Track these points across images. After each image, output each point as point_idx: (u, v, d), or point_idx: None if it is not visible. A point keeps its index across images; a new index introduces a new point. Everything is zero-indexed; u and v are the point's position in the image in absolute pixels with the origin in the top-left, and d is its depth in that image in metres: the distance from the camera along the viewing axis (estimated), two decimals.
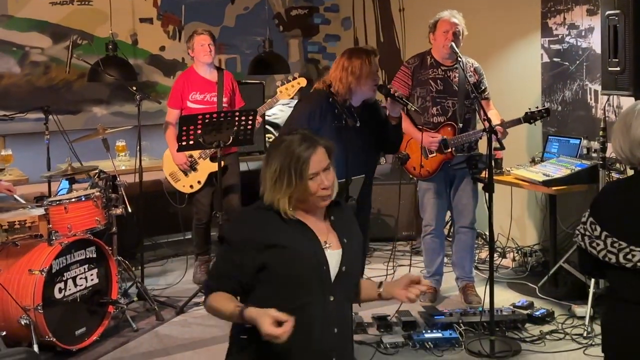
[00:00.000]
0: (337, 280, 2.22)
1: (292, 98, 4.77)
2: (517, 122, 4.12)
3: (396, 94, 3.49)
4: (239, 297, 2.21)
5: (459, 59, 4.10)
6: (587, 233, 2.34)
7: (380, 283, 2.36)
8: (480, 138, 4.27)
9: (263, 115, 5.16)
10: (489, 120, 3.49)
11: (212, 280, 2.27)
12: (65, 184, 4.62)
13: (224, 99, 4.88)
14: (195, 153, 4.77)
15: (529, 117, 4.11)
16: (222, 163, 4.48)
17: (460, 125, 4.27)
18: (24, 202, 4.26)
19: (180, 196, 5.00)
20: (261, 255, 2.16)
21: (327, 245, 2.24)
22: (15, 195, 4.31)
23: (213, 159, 4.66)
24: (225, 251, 2.28)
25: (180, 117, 4.42)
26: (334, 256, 2.23)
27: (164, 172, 4.99)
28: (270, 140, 6.29)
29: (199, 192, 4.88)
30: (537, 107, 4.10)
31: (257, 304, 2.10)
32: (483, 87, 4.36)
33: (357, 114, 3.56)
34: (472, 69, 4.34)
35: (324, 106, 3.54)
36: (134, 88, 4.78)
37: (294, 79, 4.57)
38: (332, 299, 2.21)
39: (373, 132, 3.63)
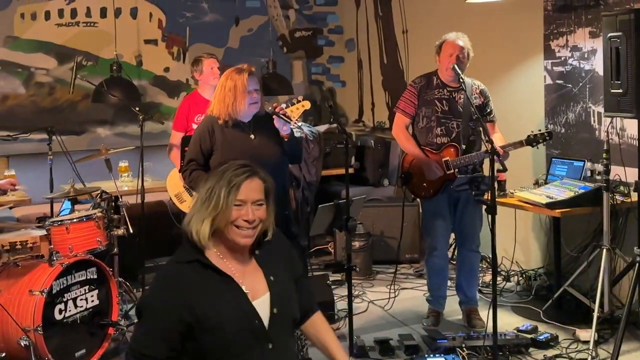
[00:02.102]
0: (271, 326, 2.13)
1: (296, 120, 4.78)
2: (519, 144, 4.10)
3: (280, 112, 3.66)
4: None
5: (461, 79, 4.10)
6: None
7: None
8: (483, 160, 4.26)
9: None
10: (491, 142, 3.48)
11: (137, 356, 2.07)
12: (67, 204, 4.62)
13: None
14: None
15: (532, 141, 4.09)
16: None
17: (464, 146, 4.25)
18: (28, 196, 4.22)
19: (184, 217, 4.97)
20: (181, 324, 2.04)
21: (253, 293, 2.13)
22: (17, 187, 4.27)
23: None
24: (145, 328, 2.11)
25: (183, 138, 4.42)
26: (263, 303, 2.14)
27: (168, 193, 4.97)
28: None
29: None
30: (539, 130, 4.09)
31: None
32: (488, 110, 4.36)
33: (250, 127, 3.71)
34: (477, 91, 4.34)
35: (216, 129, 3.69)
36: (137, 109, 4.80)
37: (299, 101, 4.58)
38: (270, 346, 2.12)
39: (271, 144, 3.72)
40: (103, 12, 6.33)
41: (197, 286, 2.09)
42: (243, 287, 2.14)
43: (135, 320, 4.35)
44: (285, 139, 3.73)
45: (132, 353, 2.10)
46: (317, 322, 2.39)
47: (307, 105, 4.60)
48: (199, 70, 4.91)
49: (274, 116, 3.68)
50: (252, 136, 3.70)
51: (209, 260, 2.14)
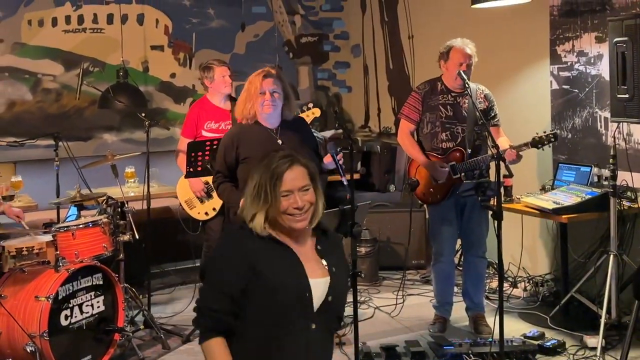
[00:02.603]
0: (320, 309, 2.19)
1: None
2: (525, 146, 4.09)
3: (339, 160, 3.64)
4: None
5: (467, 85, 4.09)
6: None
7: None
8: (489, 164, 4.24)
9: None
10: (497, 147, 3.47)
11: (203, 318, 2.21)
12: (73, 210, 4.63)
13: None
14: (211, 180, 4.78)
15: (537, 142, 4.08)
16: None
17: (469, 151, 4.24)
18: (28, 228, 4.26)
19: (194, 223, 4.99)
20: (243, 279, 2.14)
21: (310, 271, 2.20)
22: (22, 222, 4.31)
23: None
24: (210, 283, 2.24)
25: (188, 144, 4.43)
26: (320, 285, 2.21)
27: (178, 199, 4.97)
28: None
29: (212, 220, 4.87)
30: (544, 132, 4.07)
31: (239, 333, 2.10)
32: (493, 114, 4.35)
33: (278, 133, 3.67)
34: (482, 95, 4.33)
35: (241, 137, 3.66)
36: (143, 115, 4.81)
37: (309, 108, 4.58)
38: (314, 327, 2.18)
39: (300, 147, 3.65)
40: (110, 19, 6.35)
41: (259, 248, 2.19)
42: (303, 262, 2.21)
43: (141, 327, 4.40)
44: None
45: (200, 309, 2.22)
46: None
47: (317, 112, 4.60)
48: (209, 77, 4.87)
49: (330, 156, 3.66)
50: (280, 142, 3.65)
51: (270, 233, 2.23)
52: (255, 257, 2.16)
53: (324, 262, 2.26)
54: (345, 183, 3.52)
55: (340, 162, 3.63)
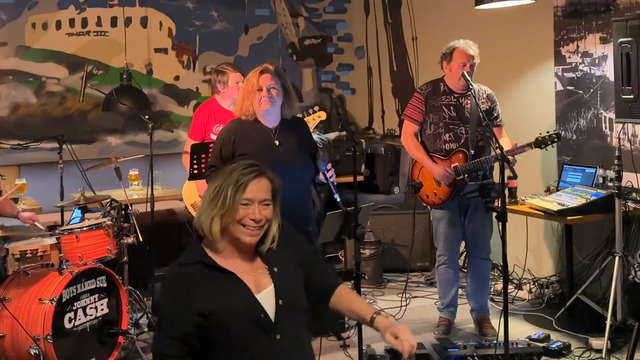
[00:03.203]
0: (278, 317, 2.15)
1: (312, 131, 4.79)
2: (528, 147, 4.07)
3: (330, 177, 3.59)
4: None
5: (471, 86, 4.08)
6: None
7: (378, 313, 2.27)
8: (493, 165, 4.23)
9: None
10: (501, 148, 3.46)
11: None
12: (77, 213, 4.63)
13: None
14: None
15: (540, 142, 4.06)
16: None
17: (472, 152, 4.23)
18: (43, 228, 4.25)
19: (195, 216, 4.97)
20: (190, 323, 2.09)
21: (257, 287, 2.16)
22: (37, 224, 4.29)
23: None
24: (160, 328, 2.17)
25: (191, 146, 4.43)
26: (267, 295, 2.17)
27: (184, 201, 4.96)
28: None
29: None
30: (547, 132, 4.06)
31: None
32: (495, 114, 4.34)
33: (277, 133, 3.61)
34: (484, 95, 4.32)
35: (238, 133, 3.62)
36: (147, 117, 4.80)
37: (314, 111, 4.57)
38: (278, 337, 2.14)
39: (297, 152, 3.61)
40: (113, 22, 6.36)
41: (202, 286, 2.13)
42: (246, 282, 2.17)
43: (145, 330, 4.39)
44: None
45: (156, 355, 2.16)
46: (341, 294, 2.39)
47: (323, 116, 4.59)
48: (223, 82, 4.81)
49: (321, 173, 3.61)
50: (277, 142, 3.59)
51: (212, 260, 2.18)
52: (201, 298, 2.10)
53: (266, 266, 2.22)
54: (338, 200, 3.44)
55: (332, 179, 3.57)
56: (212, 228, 2.16)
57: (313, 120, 4.56)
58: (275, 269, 2.22)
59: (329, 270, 2.46)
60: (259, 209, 2.17)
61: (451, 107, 4.27)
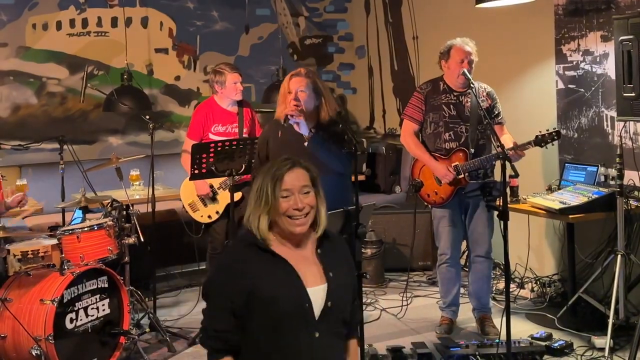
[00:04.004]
0: (322, 316, 2.18)
1: None
2: (528, 145, 4.06)
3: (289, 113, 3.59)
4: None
5: (472, 84, 4.07)
6: None
7: None
8: (494, 164, 4.22)
9: None
10: (503, 147, 3.45)
11: (209, 339, 2.22)
12: (79, 213, 4.63)
13: (245, 130, 4.90)
14: (216, 183, 4.78)
15: (540, 141, 4.05)
16: (240, 193, 4.50)
17: (473, 150, 4.22)
18: (40, 205, 4.22)
19: (197, 226, 4.98)
20: (242, 296, 2.15)
21: (308, 280, 2.20)
22: (25, 202, 4.25)
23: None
24: (211, 304, 2.24)
25: (192, 146, 4.42)
26: (318, 292, 2.20)
27: (182, 201, 4.97)
28: None
29: (216, 222, 4.86)
30: (547, 130, 4.05)
31: (244, 346, 2.12)
32: (496, 112, 4.33)
33: (311, 137, 3.62)
34: (484, 93, 4.32)
35: (272, 134, 3.69)
36: (148, 117, 4.80)
37: None
38: (317, 335, 2.16)
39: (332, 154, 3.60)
40: (114, 22, 6.36)
41: (255, 263, 2.20)
42: (298, 272, 2.21)
43: (146, 330, 4.39)
44: (307, 140, 3.62)
45: (205, 330, 2.24)
46: (350, 350, 2.40)
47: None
48: (221, 82, 4.82)
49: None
50: (306, 144, 3.61)
51: (265, 244, 2.23)
52: (252, 273, 2.17)
53: (322, 267, 2.25)
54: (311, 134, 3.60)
55: (289, 113, 3.60)
56: (260, 225, 2.22)
57: None
58: (331, 274, 2.26)
59: (358, 316, 2.50)
60: (300, 197, 2.22)
61: (451, 106, 4.26)
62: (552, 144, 4.07)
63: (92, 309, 3.90)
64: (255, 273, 2.17)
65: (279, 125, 3.68)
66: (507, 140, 4.12)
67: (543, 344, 3.97)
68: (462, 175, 4.17)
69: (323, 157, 3.57)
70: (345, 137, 3.57)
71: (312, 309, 2.17)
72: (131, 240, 4.26)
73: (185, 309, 4.99)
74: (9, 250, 3.73)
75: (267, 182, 2.22)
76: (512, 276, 5.13)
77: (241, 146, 4.21)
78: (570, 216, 4.16)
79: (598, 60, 4.61)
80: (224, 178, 4.62)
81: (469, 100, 4.25)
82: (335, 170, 3.60)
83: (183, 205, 4.96)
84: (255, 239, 2.23)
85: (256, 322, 2.15)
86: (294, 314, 2.14)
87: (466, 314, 4.54)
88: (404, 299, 4.90)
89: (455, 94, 4.28)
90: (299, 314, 2.15)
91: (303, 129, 3.61)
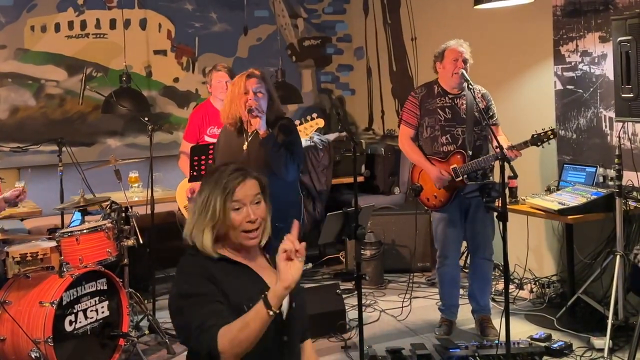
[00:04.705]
0: (288, 320, 2.13)
1: (310, 138, 4.79)
2: (525, 145, 4.06)
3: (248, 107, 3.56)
4: None
5: (470, 85, 4.07)
6: None
7: None
8: (492, 165, 4.23)
9: None
10: (501, 148, 3.45)
11: (205, 327, 1.98)
12: (77, 215, 4.63)
13: None
14: None
15: (536, 140, 4.04)
16: None
17: (470, 152, 4.23)
18: (39, 207, 4.21)
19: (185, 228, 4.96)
20: (216, 292, 2.04)
21: (271, 284, 2.09)
22: (23, 196, 4.24)
23: None
24: (194, 305, 2.03)
25: (191, 148, 4.42)
26: None
27: (178, 204, 4.97)
28: None
29: None
30: (543, 129, 4.05)
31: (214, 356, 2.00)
32: (491, 113, 4.33)
33: (249, 136, 3.65)
34: (479, 95, 4.32)
35: (221, 137, 3.78)
36: (147, 119, 4.80)
37: (312, 118, 4.57)
38: (285, 339, 2.13)
39: (263, 157, 3.57)
40: (112, 24, 6.36)
41: (218, 271, 2.09)
42: (262, 276, 2.16)
43: (146, 332, 4.38)
44: (262, 137, 3.56)
45: (197, 330, 1.99)
46: (307, 350, 2.33)
47: (321, 123, 4.58)
48: (208, 82, 4.87)
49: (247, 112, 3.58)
50: (245, 147, 3.65)
51: (221, 254, 2.14)
52: (217, 280, 2.06)
53: (275, 270, 2.16)
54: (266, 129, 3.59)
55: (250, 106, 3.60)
56: (204, 241, 2.11)
57: (311, 127, 4.55)
58: None
59: (306, 318, 2.38)
60: (252, 209, 2.13)
61: (446, 109, 4.26)
62: (549, 143, 4.07)
63: (92, 311, 3.89)
64: (221, 279, 2.06)
65: (227, 130, 3.77)
66: (503, 141, 4.13)
67: (542, 344, 3.97)
68: (461, 178, 4.18)
69: (272, 157, 3.57)
70: (294, 148, 3.60)
71: (282, 312, 2.09)
72: (130, 242, 4.26)
73: None
74: (7, 253, 3.73)
75: (217, 195, 2.10)
76: (511, 277, 5.13)
77: None
78: (569, 217, 4.16)
79: (596, 61, 4.61)
80: None
81: (464, 102, 4.25)
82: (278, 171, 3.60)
83: (179, 208, 4.96)
84: (211, 252, 2.12)
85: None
86: None
87: (465, 315, 4.54)
88: (404, 300, 4.89)
89: (450, 96, 4.28)
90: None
91: (262, 126, 3.58)
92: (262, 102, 3.61)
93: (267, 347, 2.08)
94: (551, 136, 4.02)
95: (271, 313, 1.89)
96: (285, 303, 2.13)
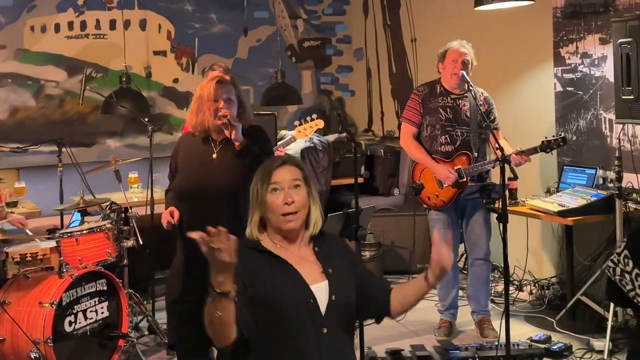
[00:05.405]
0: (328, 311, 2.16)
1: (310, 139, 4.77)
2: (534, 151, 4.05)
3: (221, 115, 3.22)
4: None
5: (470, 87, 4.07)
6: (620, 266, 2.21)
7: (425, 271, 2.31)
8: (493, 167, 4.23)
9: None
10: (502, 149, 3.45)
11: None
12: (77, 216, 4.63)
13: None
14: None
15: (546, 146, 4.04)
16: None
17: (476, 154, 4.24)
18: (32, 234, 4.26)
19: None
20: (252, 298, 2.09)
21: (309, 279, 2.18)
22: (26, 230, 4.30)
23: None
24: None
25: None
26: (320, 289, 2.18)
27: None
28: None
29: None
30: (553, 136, 4.05)
31: (252, 349, 2.08)
32: (492, 117, 4.33)
33: (218, 145, 3.34)
34: (482, 98, 4.32)
35: (184, 144, 3.46)
36: (146, 119, 4.80)
37: (312, 119, 4.57)
38: (325, 331, 2.15)
39: (232, 169, 3.27)
40: (112, 24, 6.35)
41: (256, 264, 2.15)
42: (299, 271, 2.18)
43: (145, 333, 4.38)
44: (238, 148, 3.26)
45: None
46: (396, 293, 2.39)
47: (321, 124, 4.58)
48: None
49: (218, 121, 3.24)
50: (215, 156, 3.34)
51: (264, 247, 2.21)
52: (253, 273, 2.13)
53: (321, 265, 2.24)
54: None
55: (223, 114, 3.26)
56: (251, 227, 2.21)
57: (310, 127, 4.56)
58: (330, 270, 2.23)
59: (383, 281, 2.47)
60: (290, 193, 2.19)
61: (448, 109, 4.26)
62: (556, 152, 4.07)
63: (91, 311, 3.89)
64: (255, 273, 2.14)
65: (191, 138, 3.43)
66: (505, 145, 4.13)
67: (542, 346, 3.97)
68: (465, 179, 4.18)
69: (253, 169, 3.04)
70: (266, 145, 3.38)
71: (318, 305, 2.15)
72: (130, 242, 4.26)
73: None
74: (7, 253, 3.72)
75: (257, 181, 2.21)
76: (511, 279, 5.13)
77: None
78: (569, 218, 4.16)
79: (596, 62, 4.61)
80: None
81: (467, 103, 4.25)
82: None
83: None
84: (255, 243, 2.21)
85: (261, 323, 2.10)
86: (300, 311, 2.12)
87: (465, 317, 4.54)
88: None
89: (452, 96, 4.28)
90: (305, 311, 2.13)
91: (240, 137, 3.26)
92: (233, 109, 3.29)
93: (307, 339, 2.12)
94: (561, 143, 4.02)
95: (215, 292, 1.89)
96: (324, 297, 2.17)
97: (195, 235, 1.84)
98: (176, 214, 3.38)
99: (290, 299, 2.12)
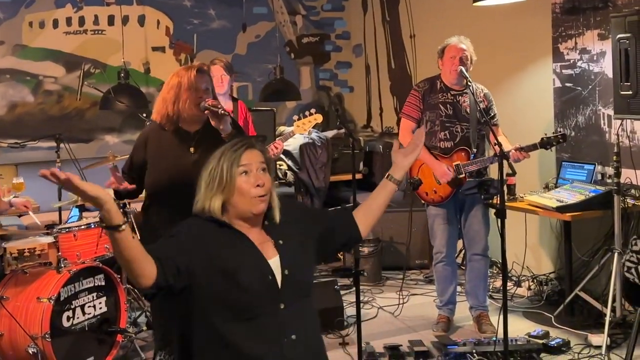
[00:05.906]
0: (284, 286, 2.14)
1: (309, 133, 4.77)
2: (533, 147, 4.06)
3: (211, 105, 3.12)
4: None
5: (469, 84, 4.07)
6: None
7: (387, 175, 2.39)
8: (492, 163, 4.23)
9: None
10: (500, 145, 3.45)
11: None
12: (75, 211, 4.62)
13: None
14: None
15: (545, 143, 4.05)
16: None
17: (475, 150, 4.23)
18: (38, 222, 4.24)
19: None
20: (204, 266, 2.07)
21: (266, 253, 2.16)
22: (30, 213, 4.27)
23: None
24: (171, 237, 2.12)
25: None
26: (275, 263, 2.16)
27: None
28: (281, 167, 6.28)
29: None
30: (553, 133, 4.05)
31: (205, 317, 2.07)
32: (492, 114, 4.33)
33: (193, 139, 3.21)
34: (481, 94, 4.32)
35: (152, 136, 3.26)
36: (144, 115, 4.80)
37: (311, 114, 4.57)
38: (282, 306, 2.13)
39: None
40: (111, 20, 6.35)
41: (215, 235, 2.13)
42: (259, 248, 2.17)
43: (143, 328, 4.38)
44: (226, 139, 3.11)
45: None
46: (359, 210, 2.51)
47: (319, 118, 4.58)
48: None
49: (207, 112, 3.13)
50: (192, 150, 3.20)
51: (224, 220, 2.17)
52: (211, 243, 2.11)
53: (272, 239, 2.21)
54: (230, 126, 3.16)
55: (211, 104, 3.14)
56: (212, 205, 2.13)
57: (309, 122, 4.55)
58: (281, 242, 2.21)
59: (341, 211, 2.50)
60: (260, 175, 2.16)
61: (447, 105, 4.26)
62: (555, 147, 4.07)
63: (89, 307, 3.89)
64: (214, 243, 2.10)
65: (160, 131, 3.24)
66: (504, 142, 4.13)
67: (540, 341, 3.97)
68: (463, 175, 4.18)
69: None
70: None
71: (276, 279, 2.13)
72: None
73: None
74: (5, 248, 3.73)
75: (223, 162, 2.14)
76: (509, 274, 5.13)
77: None
78: (567, 214, 4.16)
79: (595, 58, 4.61)
80: None
81: (467, 100, 4.25)
82: None
83: None
84: (212, 217, 2.15)
85: (219, 292, 2.07)
86: (259, 287, 2.10)
87: (463, 312, 4.55)
88: (401, 297, 4.89)
89: (452, 92, 4.28)
90: (263, 287, 2.10)
91: (228, 127, 3.17)
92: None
93: (265, 315, 2.10)
94: (561, 140, 4.03)
95: (102, 227, 1.91)
96: (279, 272, 2.15)
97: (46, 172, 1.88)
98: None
99: (250, 272, 2.09)
